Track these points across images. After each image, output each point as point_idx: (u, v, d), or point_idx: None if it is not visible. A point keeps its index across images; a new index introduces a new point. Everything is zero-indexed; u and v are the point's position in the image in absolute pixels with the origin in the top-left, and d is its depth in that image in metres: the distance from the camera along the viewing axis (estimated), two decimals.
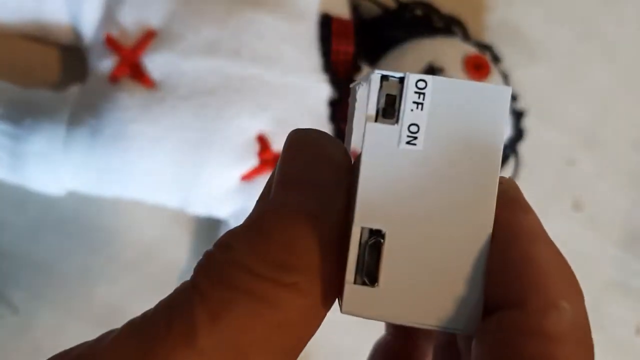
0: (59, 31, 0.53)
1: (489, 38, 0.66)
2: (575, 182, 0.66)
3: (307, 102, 0.51)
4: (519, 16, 0.67)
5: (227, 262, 0.19)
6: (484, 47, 0.60)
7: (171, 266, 0.56)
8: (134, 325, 0.18)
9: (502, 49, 0.65)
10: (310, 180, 0.20)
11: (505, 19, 0.67)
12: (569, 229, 0.65)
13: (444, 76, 0.53)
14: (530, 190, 0.64)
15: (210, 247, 0.21)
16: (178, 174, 0.49)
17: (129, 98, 0.48)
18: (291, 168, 0.21)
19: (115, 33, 0.50)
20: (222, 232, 0.53)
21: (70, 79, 0.55)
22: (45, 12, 0.51)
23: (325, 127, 0.51)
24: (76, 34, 0.52)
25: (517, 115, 0.58)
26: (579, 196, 0.66)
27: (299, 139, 0.22)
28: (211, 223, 0.55)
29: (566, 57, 0.68)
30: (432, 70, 0.53)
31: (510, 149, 0.58)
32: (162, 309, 0.19)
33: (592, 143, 0.67)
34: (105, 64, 0.49)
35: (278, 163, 0.21)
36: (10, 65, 0.55)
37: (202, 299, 0.18)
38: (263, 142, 0.49)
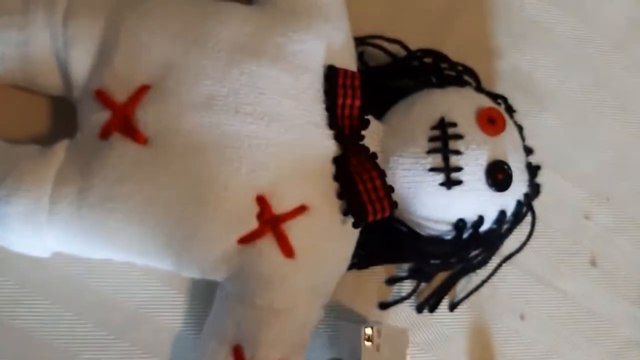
0: (46, 82, 0.49)
1: (499, 85, 0.63)
2: (592, 237, 0.63)
3: (311, 161, 0.47)
4: (530, 63, 0.65)
5: None
6: (498, 97, 0.57)
7: (163, 331, 0.52)
8: None
9: (513, 96, 0.62)
10: None
11: (516, 66, 0.64)
12: (585, 286, 0.62)
13: (457, 131, 0.50)
14: (548, 246, 0.62)
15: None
16: (169, 238, 0.45)
17: (120, 156, 0.45)
18: None
19: (106, 86, 0.46)
20: (220, 295, 0.50)
21: (59, 131, 0.52)
22: (31, 62, 0.48)
23: (329, 186, 0.48)
24: (66, 85, 0.49)
25: (533, 170, 0.55)
26: (595, 251, 0.63)
27: None
28: (208, 283, 0.51)
29: (578, 105, 0.65)
30: (444, 124, 0.50)
31: (527, 206, 0.54)
32: None
33: (607, 196, 0.64)
34: (96, 118, 0.46)
35: None
36: None
37: None
38: (263, 203, 0.46)
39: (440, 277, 0.57)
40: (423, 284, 0.57)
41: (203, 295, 0.52)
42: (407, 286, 0.57)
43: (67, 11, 0.47)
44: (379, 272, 0.57)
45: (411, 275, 0.57)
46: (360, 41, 0.57)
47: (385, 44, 0.58)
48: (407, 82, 0.57)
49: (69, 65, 0.48)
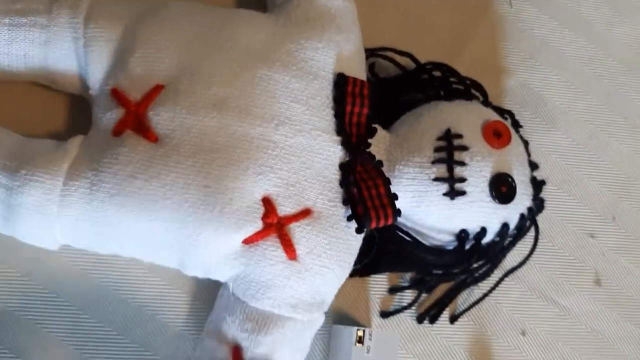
0: (64, 80, 0.51)
1: (508, 102, 0.64)
2: (597, 256, 0.63)
3: (317, 166, 0.48)
4: (540, 82, 0.65)
5: None
6: (504, 112, 0.57)
7: (165, 329, 0.53)
8: None
9: (522, 114, 0.62)
10: None
11: (526, 84, 0.65)
12: (588, 304, 0.62)
13: (463, 142, 0.51)
14: (552, 263, 0.61)
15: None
16: (177, 235, 0.46)
17: (131, 152, 0.46)
18: None
19: (121, 85, 0.48)
20: (222, 295, 0.50)
21: (75, 127, 0.53)
22: (51, 60, 0.50)
23: (335, 191, 0.49)
24: (83, 84, 0.51)
25: (538, 185, 0.55)
26: (600, 270, 0.63)
27: None
28: (210, 283, 0.52)
29: (586, 125, 0.66)
30: (450, 135, 0.51)
31: (530, 220, 0.55)
32: None
33: (613, 215, 0.64)
34: (110, 116, 0.48)
35: None
36: (14, 111, 0.54)
37: None
38: (268, 205, 0.47)
39: (442, 289, 0.58)
40: (424, 295, 0.58)
41: (205, 295, 0.53)
42: (408, 296, 0.57)
43: (89, 13, 0.49)
44: (381, 281, 0.58)
45: (413, 285, 0.57)
46: (372, 52, 0.58)
47: (396, 57, 0.59)
48: (415, 94, 0.58)
49: (87, 64, 0.49)
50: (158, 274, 0.53)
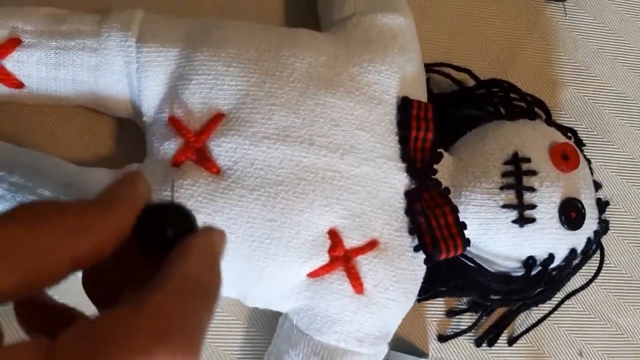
0: (116, 105, 0.49)
1: (563, 115, 0.62)
2: None
3: (382, 195, 0.46)
4: (595, 92, 0.63)
5: None
6: (567, 131, 0.55)
7: (219, 357, 0.51)
8: None
9: (577, 126, 0.60)
10: None
11: (581, 95, 0.63)
12: None
13: (531, 167, 0.49)
14: (608, 281, 0.60)
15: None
16: (240, 269, 0.44)
17: (193, 185, 0.44)
18: None
19: (179, 113, 0.46)
20: (284, 326, 0.49)
21: (125, 153, 0.51)
22: (102, 85, 0.48)
23: (401, 220, 0.47)
24: (136, 109, 0.48)
25: (602, 206, 0.53)
26: None
27: None
28: (268, 310, 0.50)
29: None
30: (517, 159, 0.49)
31: (596, 244, 0.53)
32: None
33: None
34: (168, 146, 0.45)
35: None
36: (61, 134, 0.52)
37: None
38: (335, 237, 0.45)
39: (500, 311, 0.56)
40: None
41: (262, 323, 0.52)
42: (466, 319, 0.56)
43: (141, 35, 0.47)
44: (438, 304, 0.56)
45: (472, 308, 0.55)
46: (427, 68, 0.56)
47: (452, 72, 0.57)
48: (472, 111, 0.56)
49: (140, 90, 0.47)
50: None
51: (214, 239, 0.24)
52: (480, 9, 0.63)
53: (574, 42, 0.64)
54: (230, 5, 0.57)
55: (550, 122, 0.55)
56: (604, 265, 0.59)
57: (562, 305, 0.57)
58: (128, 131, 0.51)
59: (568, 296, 0.56)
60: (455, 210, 0.47)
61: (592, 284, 0.58)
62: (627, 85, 0.64)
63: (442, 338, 0.55)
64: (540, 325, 0.57)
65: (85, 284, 0.25)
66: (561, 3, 0.64)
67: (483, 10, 0.63)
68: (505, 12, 0.63)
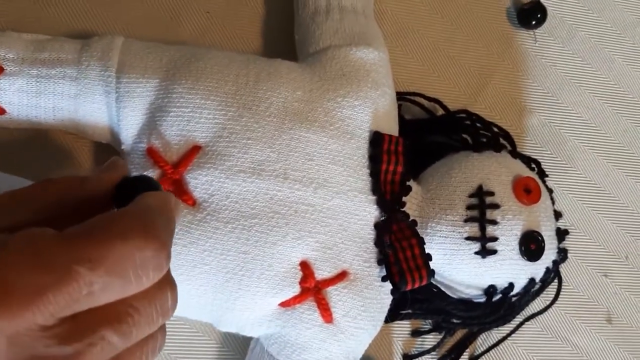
0: (95, 132, 0.50)
1: (529, 141, 0.64)
2: (609, 295, 0.65)
3: (353, 227, 0.48)
4: (560, 119, 0.66)
5: None
6: (531, 161, 0.58)
7: None
8: None
9: (542, 152, 0.63)
10: None
11: (547, 121, 0.65)
12: (601, 343, 0.63)
13: (494, 200, 0.51)
14: (565, 302, 0.62)
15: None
16: (213, 299, 0.46)
17: None
18: None
19: (157, 144, 0.47)
20: (254, 347, 0.51)
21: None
22: (82, 112, 0.48)
23: (370, 251, 0.49)
24: (114, 136, 0.50)
25: (561, 235, 0.56)
26: (612, 309, 0.64)
27: None
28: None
29: (604, 163, 0.66)
30: (482, 193, 0.51)
31: (555, 272, 0.56)
32: None
33: (626, 254, 0.66)
34: None
35: None
36: (39, 154, 0.52)
37: None
38: (306, 269, 0.47)
39: (462, 330, 0.59)
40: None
41: (235, 344, 0.54)
42: (430, 339, 0.58)
43: (120, 65, 0.48)
44: (404, 324, 0.58)
45: (435, 328, 0.58)
46: (400, 96, 0.58)
47: (423, 101, 0.59)
48: (441, 138, 0.58)
49: (119, 120, 0.48)
50: (187, 321, 0.53)
51: (171, 198, 0.33)
52: (452, 35, 0.64)
53: (542, 70, 0.66)
54: (209, 30, 0.58)
55: (515, 153, 0.57)
56: (563, 287, 0.62)
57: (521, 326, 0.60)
58: (108, 154, 0.52)
59: (527, 319, 0.59)
60: (421, 243, 0.49)
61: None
62: (593, 112, 0.67)
63: (407, 357, 0.58)
64: (500, 345, 0.60)
65: None
66: (532, 31, 0.66)
67: (455, 37, 0.64)
68: (477, 39, 0.65)
